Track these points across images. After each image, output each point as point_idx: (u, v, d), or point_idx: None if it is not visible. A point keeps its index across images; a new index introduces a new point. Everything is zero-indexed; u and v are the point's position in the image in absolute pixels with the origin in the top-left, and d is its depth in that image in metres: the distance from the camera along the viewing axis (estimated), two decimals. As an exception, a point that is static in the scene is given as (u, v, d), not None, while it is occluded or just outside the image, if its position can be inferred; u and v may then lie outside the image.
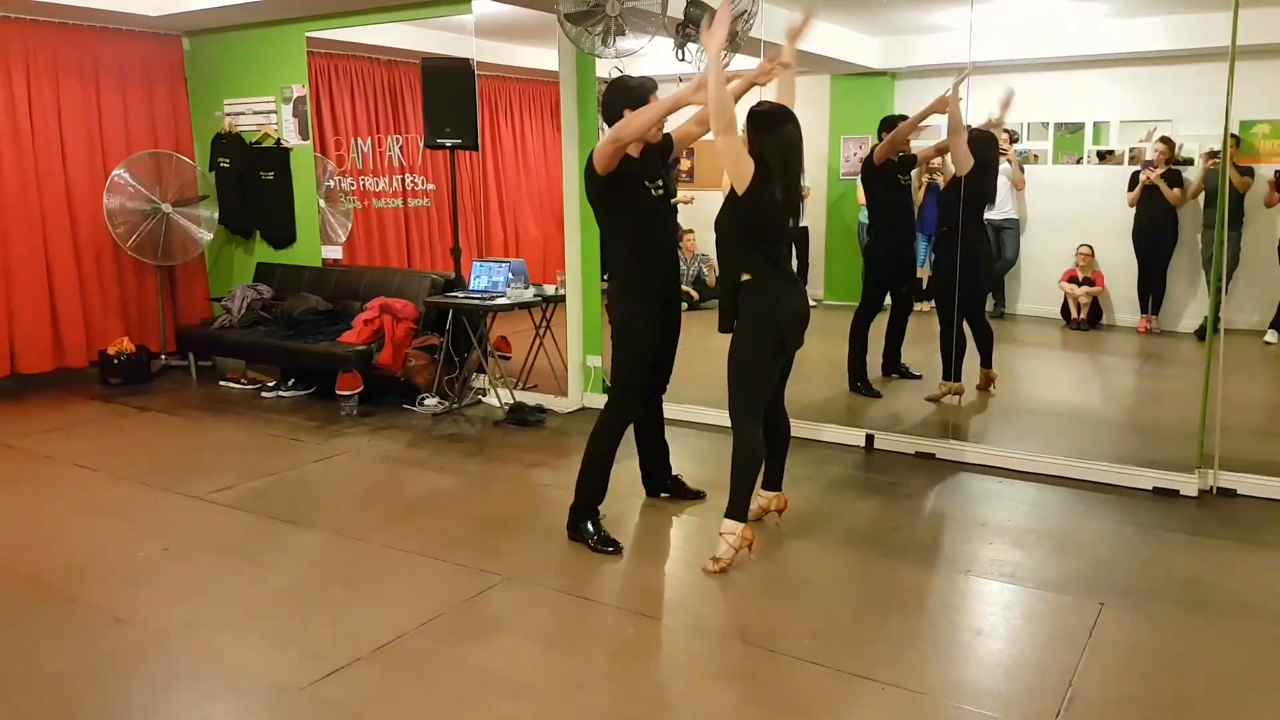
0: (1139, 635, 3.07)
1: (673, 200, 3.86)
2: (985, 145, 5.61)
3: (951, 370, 5.51)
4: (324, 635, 3.11)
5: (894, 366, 6.06)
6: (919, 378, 6.02)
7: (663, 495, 4.27)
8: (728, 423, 3.60)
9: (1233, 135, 4.30)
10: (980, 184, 5.52)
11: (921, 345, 6.09)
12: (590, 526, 3.78)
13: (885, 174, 5.82)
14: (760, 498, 3.80)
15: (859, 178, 6.18)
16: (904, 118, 5.80)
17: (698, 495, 4.26)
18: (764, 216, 3.42)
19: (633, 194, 3.64)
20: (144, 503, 4.41)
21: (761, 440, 3.55)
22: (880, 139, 5.86)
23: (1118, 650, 2.97)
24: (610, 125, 3.62)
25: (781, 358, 3.60)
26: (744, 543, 3.48)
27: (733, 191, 3.45)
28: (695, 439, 5.14)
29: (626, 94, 3.65)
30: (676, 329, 3.91)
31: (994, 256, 5.74)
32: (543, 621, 3.23)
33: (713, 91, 3.28)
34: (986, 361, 5.68)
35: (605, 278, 4.12)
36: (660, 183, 3.73)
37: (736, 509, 3.48)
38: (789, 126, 3.42)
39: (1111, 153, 7.45)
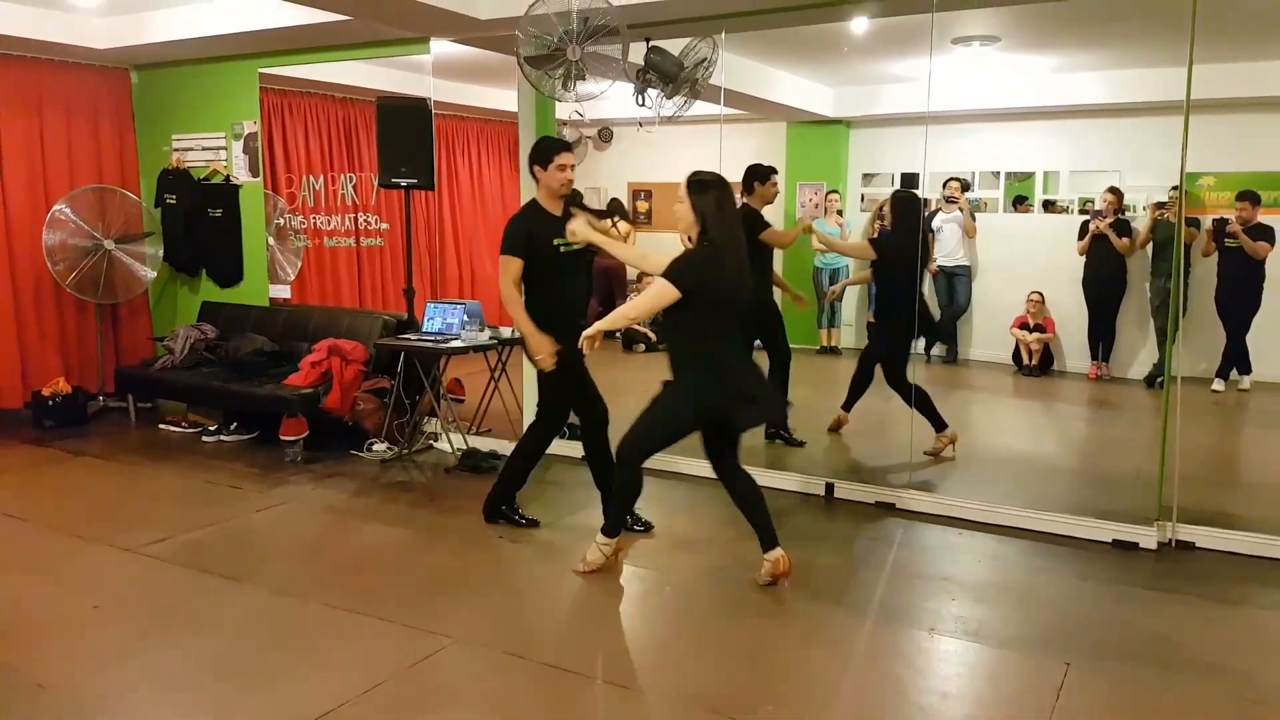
0: (1108, 697, 3.01)
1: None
2: (903, 207, 5.46)
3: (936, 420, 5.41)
4: (260, 704, 2.93)
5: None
6: (802, 444, 5.75)
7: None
8: (707, 473, 3.98)
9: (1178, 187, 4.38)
10: (899, 246, 5.31)
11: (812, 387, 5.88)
12: (511, 509, 4.47)
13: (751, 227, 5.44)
14: (766, 562, 3.76)
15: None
16: (772, 169, 5.55)
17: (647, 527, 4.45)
18: (714, 292, 3.56)
19: (540, 254, 4.10)
20: (74, 555, 4.19)
21: (641, 475, 3.81)
22: (748, 188, 5.48)
23: (1087, 714, 2.90)
24: (530, 170, 4.22)
25: (702, 426, 3.77)
26: (614, 552, 3.91)
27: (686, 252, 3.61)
28: (682, 490, 5.04)
29: (536, 153, 4.17)
30: (579, 368, 4.22)
31: (923, 314, 5.39)
32: (495, 689, 3.07)
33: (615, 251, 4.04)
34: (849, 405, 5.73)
35: None
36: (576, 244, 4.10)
37: (613, 527, 3.90)
38: (716, 190, 3.58)
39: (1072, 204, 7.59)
